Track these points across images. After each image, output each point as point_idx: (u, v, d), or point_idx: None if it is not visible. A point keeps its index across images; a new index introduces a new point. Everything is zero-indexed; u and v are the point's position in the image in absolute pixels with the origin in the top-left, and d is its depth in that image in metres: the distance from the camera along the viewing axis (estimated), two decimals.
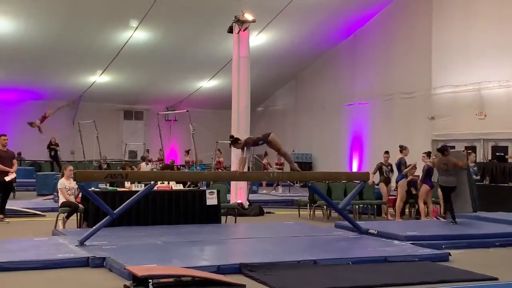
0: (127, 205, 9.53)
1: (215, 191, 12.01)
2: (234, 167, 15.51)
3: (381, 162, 15.03)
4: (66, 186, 11.33)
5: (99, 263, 7.72)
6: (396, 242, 9.79)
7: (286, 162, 12.56)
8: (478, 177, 15.80)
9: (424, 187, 13.85)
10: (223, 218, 12.59)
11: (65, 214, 11.08)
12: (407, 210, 15.45)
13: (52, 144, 23.66)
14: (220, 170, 19.68)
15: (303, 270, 7.53)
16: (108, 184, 12.02)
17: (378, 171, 14.94)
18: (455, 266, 8.20)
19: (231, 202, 14.82)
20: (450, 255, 8.79)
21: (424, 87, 22.01)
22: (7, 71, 24.28)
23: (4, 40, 21.42)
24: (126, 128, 30.39)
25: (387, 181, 14.92)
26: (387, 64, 23.84)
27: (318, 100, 27.31)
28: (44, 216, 13.69)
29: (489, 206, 14.88)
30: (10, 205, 13.59)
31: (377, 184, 15.18)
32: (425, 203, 14.00)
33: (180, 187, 12.16)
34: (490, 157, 19.53)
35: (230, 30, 16.73)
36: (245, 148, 10.28)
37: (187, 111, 19.24)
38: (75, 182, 10.05)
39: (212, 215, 11.88)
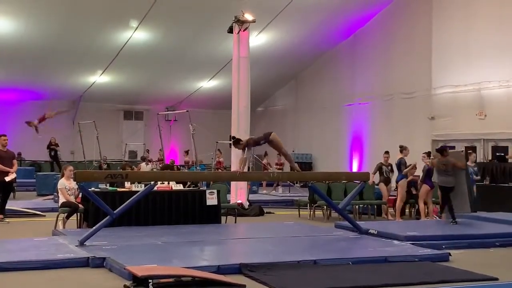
0: (127, 205, 9.53)
1: (215, 191, 12.01)
2: (234, 167, 15.51)
3: (381, 162, 15.03)
4: (66, 186, 11.33)
5: (99, 263, 7.72)
6: (396, 242, 9.79)
7: (286, 162, 12.57)
8: (479, 177, 15.79)
9: (424, 187, 13.85)
10: (223, 218, 12.59)
11: (65, 214, 11.09)
12: (407, 210, 15.46)
13: (52, 145, 23.65)
14: (220, 170, 19.68)
15: (303, 270, 7.53)
16: (108, 184, 12.03)
17: (378, 171, 14.94)
18: (455, 266, 8.20)
19: (231, 202, 14.82)
20: (450, 255, 8.79)
21: (424, 87, 22.00)
22: (7, 71, 24.27)
23: (4, 40, 21.41)
24: (126, 128, 30.38)
25: (387, 181, 14.92)
26: (387, 64, 23.83)
27: (318, 100, 27.31)
28: (44, 216, 13.69)
29: (489, 206, 14.89)
30: (10, 205, 13.60)
31: (377, 184, 15.18)
32: (425, 203, 14.00)
33: (180, 187, 12.16)
34: (490, 157, 19.52)
35: (230, 30, 16.73)
36: (246, 149, 10.28)
37: (187, 111, 19.23)
38: (75, 182, 10.06)
39: (212, 215, 11.88)
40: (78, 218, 11.36)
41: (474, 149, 18.85)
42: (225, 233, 11.06)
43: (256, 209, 15.49)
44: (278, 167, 22.34)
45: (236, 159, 14.78)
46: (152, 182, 9.63)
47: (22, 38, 21.59)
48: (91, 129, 21.97)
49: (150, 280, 6.33)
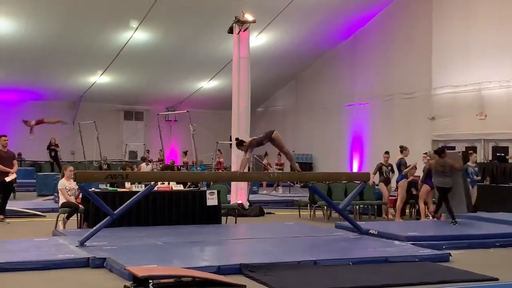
0: (127, 205, 9.53)
1: (215, 191, 12.01)
2: (234, 167, 15.51)
3: (381, 163, 15.03)
4: (67, 186, 11.34)
5: (99, 263, 7.72)
6: (396, 242, 9.79)
7: (286, 162, 12.55)
8: (479, 178, 15.78)
9: (425, 188, 13.85)
10: (223, 219, 12.58)
11: (66, 214, 11.09)
12: (407, 211, 15.46)
13: (52, 145, 23.64)
14: (220, 171, 19.69)
15: (303, 271, 7.53)
16: (108, 185, 12.03)
17: (378, 172, 14.94)
18: (455, 266, 8.20)
19: (231, 203, 14.82)
20: (451, 256, 8.79)
21: (424, 87, 22.00)
22: (7, 71, 24.28)
23: (4, 40, 21.42)
24: (126, 128, 30.39)
25: (387, 182, 14.92)
26: (387, 65, 23.83)
27: (318, 101, 27.31)
28: (44, 216, 13.68)
29: (489, 206, 14.88)
30: (11, 205, 13.59)
31: (377, 185, 15.18)
32: (425, 203, 14.01)
33: (180, 187, 12.16)
34: (490, 158, 19.52)
35: (230, 31, 16.72)
36: (248, 150, 10.27)
37: (187, 111, 19.22)
38: (75, 182, 10.06)
39: (212, 216, 11.88)
40: (78, 218, 11.36)
41: (474, 149, 18.85)
42: (226, 234, 11.05)
43: (257, 210, 15.48)
44: (278, 167, 22.35)
45: (236, 159, 14.78)
46: (152, 183, 9.63)
47: (22, 39, 21.59)
48: (91, 129, 21.98)
49: (150, 281, 6.33)
